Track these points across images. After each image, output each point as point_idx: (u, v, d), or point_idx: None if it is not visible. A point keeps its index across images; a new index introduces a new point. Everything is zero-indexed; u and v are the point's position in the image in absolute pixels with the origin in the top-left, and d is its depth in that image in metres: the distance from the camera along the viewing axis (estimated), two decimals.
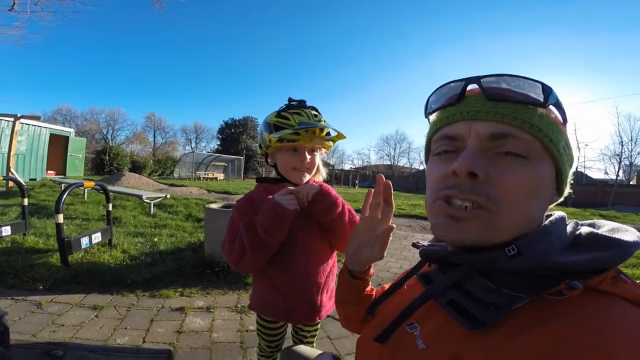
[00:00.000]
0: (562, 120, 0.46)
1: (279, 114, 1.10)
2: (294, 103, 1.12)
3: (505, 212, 0.42)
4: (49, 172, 15.74)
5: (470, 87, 0.48)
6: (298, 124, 1.05)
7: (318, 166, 1.19)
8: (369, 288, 0.79)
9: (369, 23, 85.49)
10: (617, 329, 0.33)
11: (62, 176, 15.74)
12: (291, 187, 1.11)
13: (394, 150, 53.43)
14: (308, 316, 1.18)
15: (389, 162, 52.25)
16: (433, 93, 0.53)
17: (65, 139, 18.66)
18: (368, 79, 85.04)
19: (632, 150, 33.72)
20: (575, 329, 0.34)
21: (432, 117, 0.53)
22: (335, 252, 1.27)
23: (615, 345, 0.31)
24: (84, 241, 3.61)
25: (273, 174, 1.23)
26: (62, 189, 3.67)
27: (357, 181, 34.47)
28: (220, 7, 79.34)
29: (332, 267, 1.25)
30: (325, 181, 1.28)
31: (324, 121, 1.13)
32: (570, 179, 0.48)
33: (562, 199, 0.49)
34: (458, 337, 0.41)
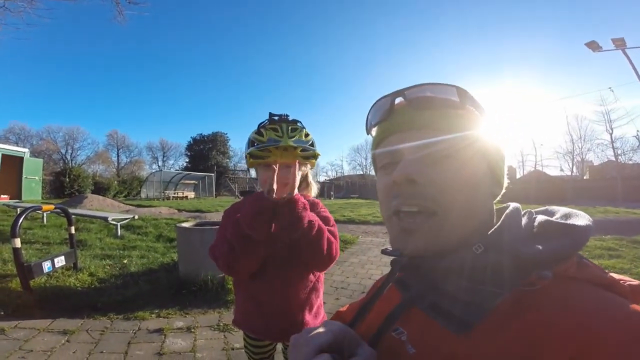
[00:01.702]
0: (481, 116, 0.49)
1: (258, 129, 1.10)
2: (274, 118, 1.11)
3: (450, 210, 0.44)
4: (2, 196, 14.59)
5: (398, 99, 0.50)
6: (267, 141, 1.05)
7: (308, 181, 1.18)
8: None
9: (333, 38, 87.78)
10: (594, 311, 0.34)
11: (18, 200, 14.61)
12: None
13: (365, 160, 53.98)
14: (287, 333, 1.12)
15: (361, 172, 52.88)
16: (370, 110, 0.55)
17: (20, 160, 17.47)
18: (337, 90, 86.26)
19: (582, 147, 36.67)
20: (556, 316, 0.35)
21: (372, 132, 0.56)
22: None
23: (598, 326, 0.32)
24: (46, 265, 3.41)
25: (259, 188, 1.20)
26: (18, 213, 3.47)
27: (332, 192, 34.73)
28: (185, 21, 78.03)
29: (314, 283, 1.21)
30: (316, 196, 1.29)
31: (305, 136, 1.11)
32: (506, 170, 0.52)
33: (504, 190, 0.52)
34: (446, 337, 0.41)
